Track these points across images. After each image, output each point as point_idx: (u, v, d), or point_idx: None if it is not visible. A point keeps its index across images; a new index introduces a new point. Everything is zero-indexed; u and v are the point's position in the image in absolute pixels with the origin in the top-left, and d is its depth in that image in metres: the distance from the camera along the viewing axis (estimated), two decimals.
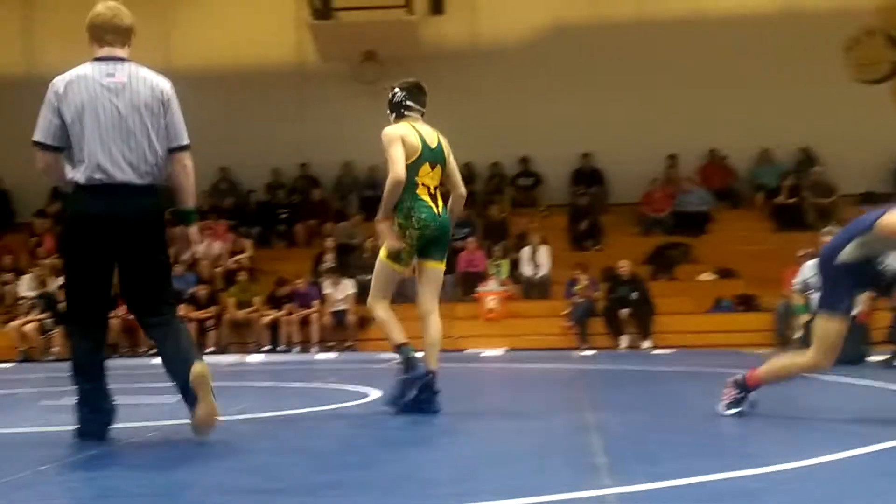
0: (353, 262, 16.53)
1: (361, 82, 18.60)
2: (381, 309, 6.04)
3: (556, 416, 5.79)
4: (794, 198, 17.23)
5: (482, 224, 17.54)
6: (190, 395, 4.66)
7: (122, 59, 4.84)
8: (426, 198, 5.92)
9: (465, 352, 14.28)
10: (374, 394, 7.17)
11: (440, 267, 6.08)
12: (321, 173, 18.87)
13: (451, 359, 12.82)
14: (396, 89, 6.13)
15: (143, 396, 7.42)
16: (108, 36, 4.85)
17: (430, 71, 18.66)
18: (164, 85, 4.90)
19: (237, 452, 4.48)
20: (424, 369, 5.82)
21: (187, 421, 5.60)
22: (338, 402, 6.70)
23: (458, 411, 6.35)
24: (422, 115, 6.15)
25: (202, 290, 15.59)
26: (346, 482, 3.59)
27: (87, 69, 4.80)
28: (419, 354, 5.89)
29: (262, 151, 18.86)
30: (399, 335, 5.94)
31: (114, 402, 4.97)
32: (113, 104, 4.70)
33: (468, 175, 18.56)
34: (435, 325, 5.99)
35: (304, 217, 18.05)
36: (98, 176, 4.64)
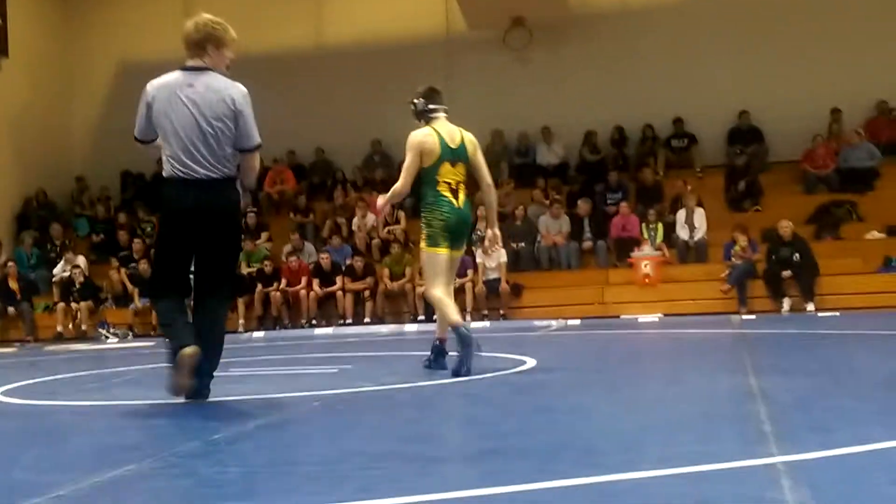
0: (504, 229, 16.52)
1: (511, 48, 18.54)
2: (435, 291, 6.63)
3: (718, 382, 5.65)
4: None
5: (634, 188, 17.27)
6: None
7: (202, 69, 5.39)
8: (447, 193, 6.65)
9: (620, 318, 14.14)
10: (530, 362, 7.16)
11: (457, 255, 6.79)
12: None
13: (606, 325, 12.75)
14: (416, 99, 6.95)
15: (305, 367, 7.63)
16: (189, 49, 5.43)
17: (579, 34, 18.55)
18: (236, 94, 5.35)
19: (398, 421, 4.54)
20: (475, 341, 6.40)
21: (349, 390, 5.76)
22: (494, 370, 6.71)
23: (617, 378, 6.29)
24: (445, 112, 6.93)
25: (358, 262, 15.92)
26: (507, 449, 3.59)
27: (173, 77, 5.41)
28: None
29: (413, 123, 19.00)
30: (455, 315, 6.54)
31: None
32: (189, 111, 5.28)
33: (619, 138, 18.31)
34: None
35: None
36: (180, 172, 5.30)
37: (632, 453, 3.46)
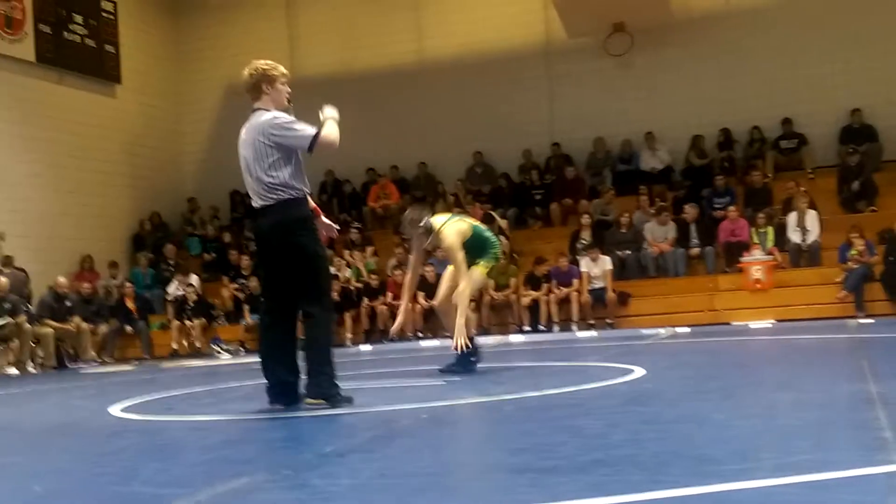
0: (609, 237, 16.39)
1: (611, 55, 18.39)
2: (469, 306, 7.70)
3: (835, 388, 5.48)
4: None
5: (743, 191, 16.91)
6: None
7: (255, 111, 5.92)
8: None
9: (731, 325, 13.85)
10: (639, 371, 7.06)
11: None
12: (573, 150, 18.81)
13: (717, 332, 12.50)
14: (423, 222, 7.68)
15: (412, 380, 7.67)
16: (249, 94, 5.98)
17: (682, 37, 18.29)
18: (265, 122, 5.78)
19: (506, 432, 4.53)
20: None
21: (456, 402, 5.77)
22: (601, 380, 6.64)
23: (729, 386, 6.15)
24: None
25: None
26: (617, 460, 3.54)
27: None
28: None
29: (514, 133, 19.06)
30: (472, 329, 7.84)
31: (287, 379, 5.87)
32: (243, 151, 5.88)
33: (725, 140, 17.92)
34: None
35: (558, 196, 18.07)
36: (250, 204, 6.05)
37: (747, 462, 3.38)
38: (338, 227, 6.50)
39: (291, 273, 5.81)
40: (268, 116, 5.79)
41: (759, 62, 17.81)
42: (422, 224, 7.63)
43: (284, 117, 5.79)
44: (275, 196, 5.75)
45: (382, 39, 19.98)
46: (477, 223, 8.01)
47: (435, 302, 7.77)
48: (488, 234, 7.94)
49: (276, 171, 5.73)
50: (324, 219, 6.18)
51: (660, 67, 18.39)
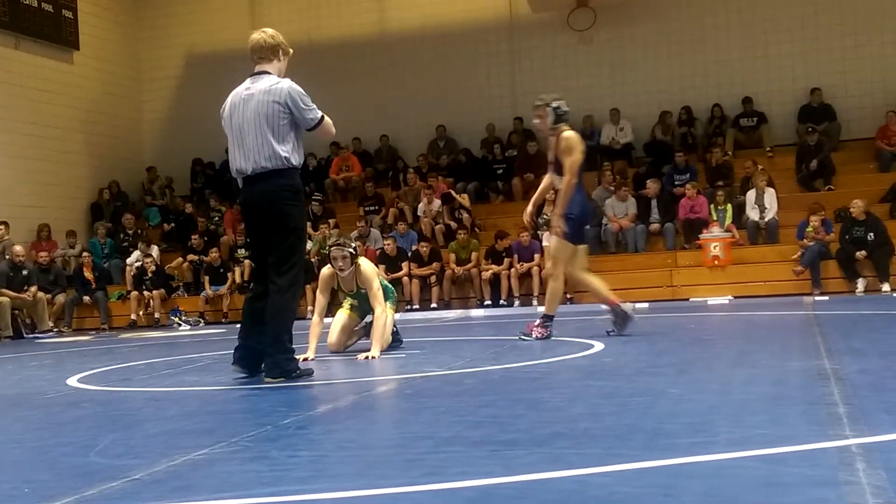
0: None
1: (574, 30, 18.41)
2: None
3: (789, 364, 5.56)
4: None
5: (702, 168, 17.03)
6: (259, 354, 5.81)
7: (262, 73, 5.92)
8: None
9: (689, 300, 13.99)
10: (598, 345, 7.11)
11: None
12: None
13: (675, 308, 12.61)
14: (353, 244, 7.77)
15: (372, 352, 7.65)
16: (254, 56, 5.99)
17: (644, 14, 18.36)
18: (282, 90, 5.78)
19: (466, 405, 4.55)
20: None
21: (416, 375, 5.79)
22: (561, 354, 6.69)
23: (686, 361, 6.22)
24: None
25: (424, 248, 15.95)
26: (575, 433, 3.58)
27: (241, 85, 5.97)
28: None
29: (477, 107, 19.04)
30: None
31: (257, 347, 5.82)
32: (243, 112, 5.81)
33: (687, 118, 18.02)
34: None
35: (520, 171, 18.09)
36: (235, 171, 5.91)
37: (702, 436, 3.43)
38: None
39: (271, 241, 5.79)
40: (286, 84, 5.82)
41: (720, 40, 17.92)
42: (353, 246, 7.69)
43: (300, 88, 5.85)
44: (274, 163, 5.74)
45: (344, 10, 19.83)
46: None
47: (332, 346, 7.70)
48: (384, 281, 8.08)
49: (286, 137, 5.76)
50: None
51: (622, 44, 18.44)
